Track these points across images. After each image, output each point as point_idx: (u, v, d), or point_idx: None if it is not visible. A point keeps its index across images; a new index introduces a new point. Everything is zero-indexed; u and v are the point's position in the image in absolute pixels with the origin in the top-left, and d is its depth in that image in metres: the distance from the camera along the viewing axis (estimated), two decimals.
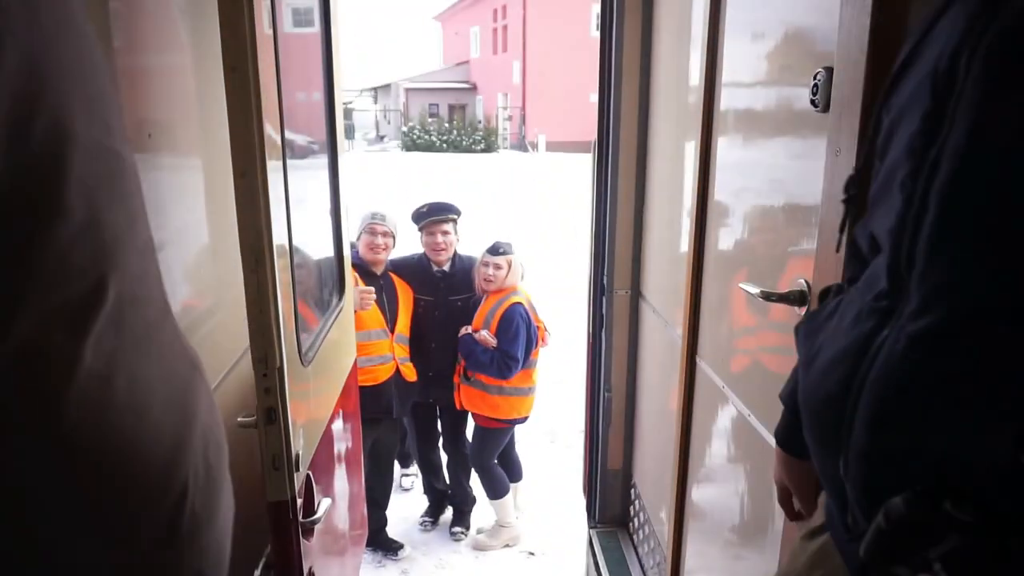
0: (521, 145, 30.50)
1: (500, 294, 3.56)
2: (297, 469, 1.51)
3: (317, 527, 1.68)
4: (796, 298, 1.32)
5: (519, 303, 3.56)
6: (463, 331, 3.60)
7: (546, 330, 3.75)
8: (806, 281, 1.29)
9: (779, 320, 1.45)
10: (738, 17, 1.71)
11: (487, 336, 3.53)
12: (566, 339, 6.00)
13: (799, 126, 1.38)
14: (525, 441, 4.89)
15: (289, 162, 1.57)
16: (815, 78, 1.21)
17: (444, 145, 30.30)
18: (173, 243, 1.53)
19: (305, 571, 1.60)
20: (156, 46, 1.49)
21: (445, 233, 3.61)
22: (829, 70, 1.17)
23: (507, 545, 3.87)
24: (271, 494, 1.47)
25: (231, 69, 1.26)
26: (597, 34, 2.82)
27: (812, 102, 1.23)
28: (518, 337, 3.50)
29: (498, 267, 3.53)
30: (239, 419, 1.54)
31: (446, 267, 3.68)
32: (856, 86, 1.07)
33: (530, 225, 12.70)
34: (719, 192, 1.84)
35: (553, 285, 6.09)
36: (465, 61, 37.08)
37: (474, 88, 36.12)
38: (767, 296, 1.40)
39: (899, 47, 1.03)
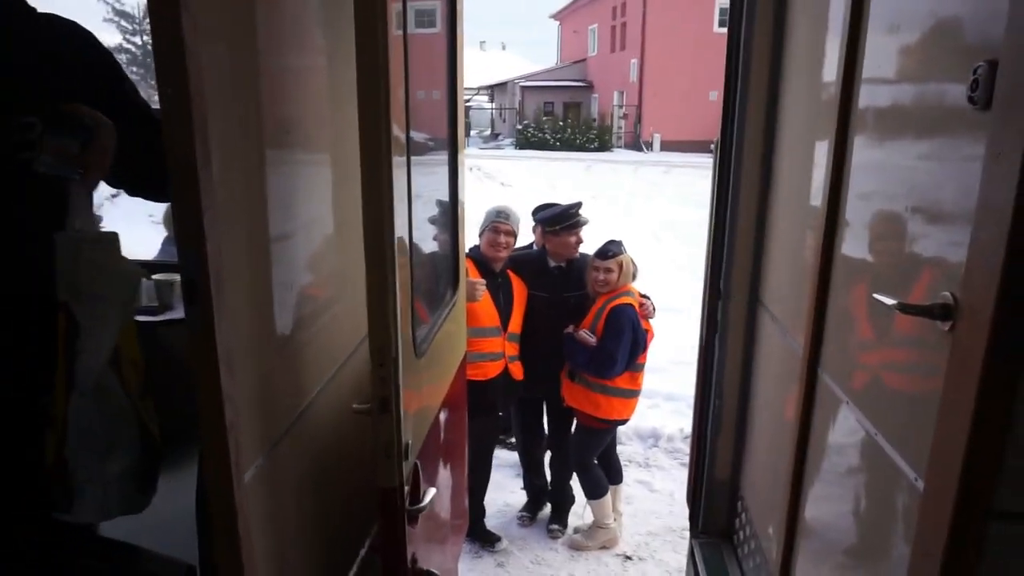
0: (636, 144, 30.00)
1: (611, 293, 3.54)
2: (406, 458, 1.55)
3: (422, 515, 1.73)
4: (939, 312, 1.21)
5: (629, 304, 3.52)
6: (567, 330, 3.60)
7: (649, 305, 3.68)
8: (952, 294, 1.18)
9: (914, 334, 1.34)
10: (883, 7, 1.59)
11: (585, 335, 3.51)
12: (675, 343, 5.86)
13: (950, 125, 1.26)
14: (629, 444, 4.83)
15: (412, 159, 1.62)
16: (975, 72, 1.10)
17: (557, 143, 30.31)
18: (301, 234, 1.62)
19: (408, 557, 1.64)
20: (295, 49, 1.58)
21: (580, 242, 3.68)
22: (992, 64, 1.06)
23: (604, 547, 3.83)
24: (381, 480, 1.52)
25: (364, 72, 1.31)
26: (721, 30, 2.73)
27: (970, 99, 1.12)
28: (620, 337, 3.46)
29: (608, 270, 3.51)
30: (354, 405, 1.61)
31: (563, 263, 3.69)
32: None
33: (642, 223, 12.48)
34: (852, 195, 1.72)
35: (665, 290, 5.97)
36: (582, 59, 36.92)
37: (590, 86, 35.89)
38: (904, 308, 1.29)
39: None
